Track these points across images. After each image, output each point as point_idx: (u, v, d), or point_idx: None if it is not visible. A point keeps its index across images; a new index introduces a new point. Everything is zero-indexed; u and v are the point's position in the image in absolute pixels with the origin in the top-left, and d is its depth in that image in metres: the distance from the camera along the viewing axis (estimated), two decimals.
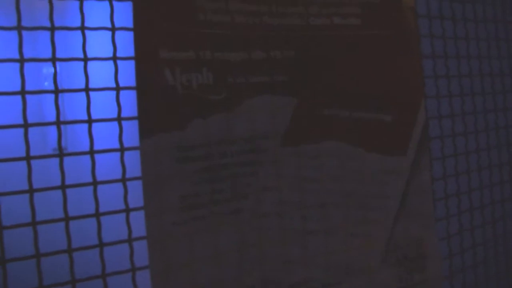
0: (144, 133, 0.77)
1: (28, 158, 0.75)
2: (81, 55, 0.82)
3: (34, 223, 0.75)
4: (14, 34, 0.75)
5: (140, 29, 0.78)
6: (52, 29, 0.78)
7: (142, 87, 0.78)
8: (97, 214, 0.80)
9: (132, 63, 0.79)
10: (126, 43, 0.82)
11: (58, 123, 0.78)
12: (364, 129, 0.96)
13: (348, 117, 0.95)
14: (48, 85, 3.13)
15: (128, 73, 0.83)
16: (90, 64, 0.82)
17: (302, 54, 0.91)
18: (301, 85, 0.91)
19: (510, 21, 1.35)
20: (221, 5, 0.85)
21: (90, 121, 0.80)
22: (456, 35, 1.20)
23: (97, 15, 0.87)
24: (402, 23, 1.02)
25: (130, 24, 0.80)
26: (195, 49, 0.82)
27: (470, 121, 1.22)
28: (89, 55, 0.82)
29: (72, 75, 0.81)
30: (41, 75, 2.70)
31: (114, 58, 0.82)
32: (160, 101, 0.79)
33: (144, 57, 0.78)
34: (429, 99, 1.12)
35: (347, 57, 0.96)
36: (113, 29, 0.83)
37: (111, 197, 0.84)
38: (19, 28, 0.75)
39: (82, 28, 0.80)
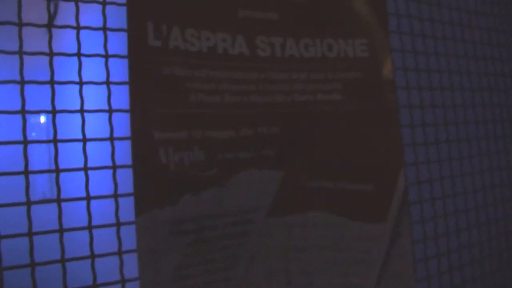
0: (139, 209, 0.82)
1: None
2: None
3: None
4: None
5: (136, 112, 0.83)
6: (54, 112, 0.85)
7: (138, 166, 0.83)
8: (94, 286, 0.85)
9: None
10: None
11: (58, 201, 0.83)
12: (347, 199, 1.00)
13: (331, 188, 0.99)
14: (36, 135, 3.18)
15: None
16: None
17: (287, 129, 0.96)
18: (286, 159, 0.95)
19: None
20: (212, 87, 0.90)
21: (88, 198, 0.85)
22: (434, 104, 1.27)
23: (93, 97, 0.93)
24: (381, 96, 1.07)
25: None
26: (187, 129, 0.86)
27: (447, 185, 1.28)
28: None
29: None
30: (28, 124, 2.75)
31: (111, 139, 0.88)
32: (154, 179, 0.83)
33: (139, 138, 0.83)
34: (409, 166, 1.17)
35: (329, 131, 1.00)
36: (110, 111, 0.88)
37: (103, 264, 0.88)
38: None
39: (82, 111, 0.86)
